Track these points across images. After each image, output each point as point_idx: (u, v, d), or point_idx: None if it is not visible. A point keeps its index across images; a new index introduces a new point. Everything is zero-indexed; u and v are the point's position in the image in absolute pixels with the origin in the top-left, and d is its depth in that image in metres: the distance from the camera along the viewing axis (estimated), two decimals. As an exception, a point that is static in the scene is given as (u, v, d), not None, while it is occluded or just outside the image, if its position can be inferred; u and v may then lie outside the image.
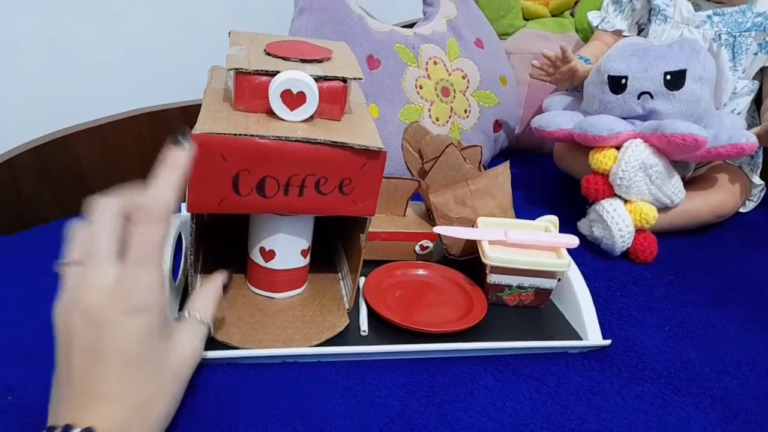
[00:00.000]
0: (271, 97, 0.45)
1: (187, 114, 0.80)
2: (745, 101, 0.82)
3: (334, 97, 0.48)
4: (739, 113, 0.82)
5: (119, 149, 0.78)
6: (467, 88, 0.94)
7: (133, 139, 0.78)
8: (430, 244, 0.66)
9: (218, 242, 0.60)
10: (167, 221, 0.34)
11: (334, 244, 0.64)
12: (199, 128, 0.43)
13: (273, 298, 0.54)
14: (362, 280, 0.60)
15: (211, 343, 0.48)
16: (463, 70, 0.94)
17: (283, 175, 0.45)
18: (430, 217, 0.68)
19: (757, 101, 0.84)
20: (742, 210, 0.84)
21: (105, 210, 0.34)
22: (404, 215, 0.68)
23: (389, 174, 0.84)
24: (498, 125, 0.98)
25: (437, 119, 0.89)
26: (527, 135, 1.05)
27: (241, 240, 0.55)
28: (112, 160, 0.78)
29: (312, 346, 0.49)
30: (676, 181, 0.73)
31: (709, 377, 0.53)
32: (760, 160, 0.84)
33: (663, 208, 0.74)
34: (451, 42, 0.94)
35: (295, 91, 0.45)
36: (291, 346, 0.49)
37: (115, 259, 0.34)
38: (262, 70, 0.45)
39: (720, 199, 0.77)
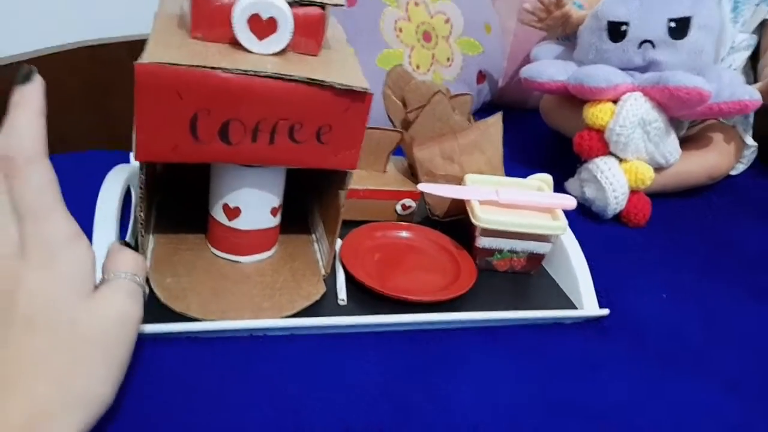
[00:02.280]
0: (236, 23, 0.38)
1: (134, 51, 0.71)
2: (742, 56, 0.79)
3: (311, 27, 0.41)
4: (735, 69, 0.79)
5: (52, 87, 0.69)
6: (450, 33, 0.87)
7: (68, 77, 0.68)
8: (413, 204, 0.61)
9: (175, 195, 0.53)
10: (40, 162, 0.28)
11: (307, 199, 0.58)
12: (147, 57, 0.36)
13: (238, 262, 0.49)
14: (338, 242, 0.55)
15: (167, 314, 0.42)
16: (445, 14, 0.87)
17: (251, 118, 0.39)
18: (412, 174, 0.63)
19: (753, 58, 0.81)
20: (732, 172, 0.82)
21: None
22: (384, 171, 0.62)
23: (368, 125, 0.79)
24: (482, 76, 0.93)
25: (418, 67, 0.83)
26: (511, 88, 1.01)
27: (203, 193, 0.48)
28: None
29: (284, 317, 0.44)
30: (673, 140, 0.69)
31: (708, 348, 0.51)
32: (752, 120, 0.81)
33: (657, 168, 0.71)
34: (434, -19, 0.87)
35: (264, 17, 0.38)
36: (260, 317, 0.44)
37: (11, 217, 0.28)
38: (224, -10, 0.38)
39: (715, 160, 0.74)
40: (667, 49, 0.66)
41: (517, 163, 0.83)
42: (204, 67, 0.36)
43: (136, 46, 0.53)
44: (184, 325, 0.42)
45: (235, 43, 0.39)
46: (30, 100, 0.29)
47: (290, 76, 0.38)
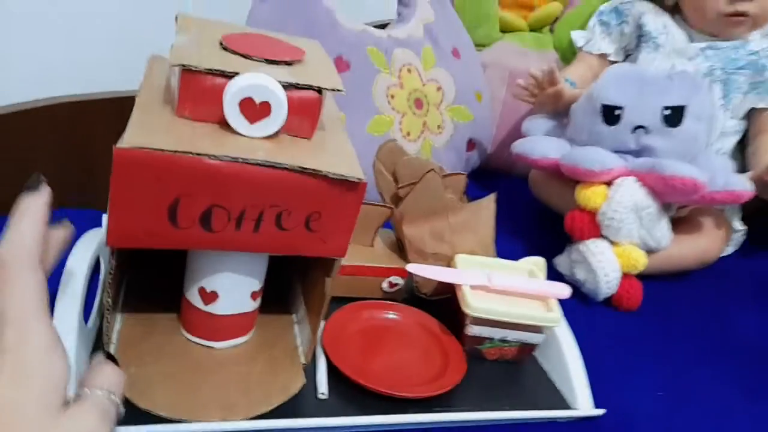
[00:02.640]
0: (227, 106, 0.36)
1: (123, 105, 0.69)
2: (731, 141, 0.80)
3: (307, 111, 0.39)
4: (725, 153, 0.79)
5: (30, 142, 0.66)
6: (441, 101, 0.87)
7: (47, 132, 0.66)
8: (400, 281, 0.59)
9: (149, 270, 0.50)
10: (31, 271, 0.28)
11: (289, 279, 0.55)
12: (127, 140, 0.34)
13: (212, 347, 0.45)
14: (321, 323, 0.52)
15: (130, 410, 0.38)
16: (438, 82, 0.87)
17: (237, 205, 0.37)
18: (400, 249, 0.60)
19: (740, 142, 0.82)
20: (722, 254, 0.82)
21: None
22: (372, 245, 0.60)
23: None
24: (471, 144, 0.92)
25: (408, 134, 0.82)
26: (498, 155, 1.01)
27: (180, 270, 0.45)
28: (18, 155, 0.65)
29: (256, 419, 0.41)
30: (665, 225, 0.69)
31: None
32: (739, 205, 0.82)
33: (648, 251, 0.70)
34: (427, 50, 0.88)
35: (258, 101, 0.37)
36: (231, 418, 0.40)
37: None
38: (217, 70, 0.36)
39: (705, 245, 0.74)
40: (661, 135, 0.66)
41: (504, 232, 0.82)
42: (190, 153, 0.34)
43: (121, 102, 0.50)
44: (149, 429, 0.38)
45: (224, 124, 0.37)
46: (34, 209, 0.29)
47: (282, 164, 0.36)
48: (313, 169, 0.37)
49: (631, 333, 0.64)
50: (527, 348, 0.53)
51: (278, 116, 0.38)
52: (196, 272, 0.43)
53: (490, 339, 0.53)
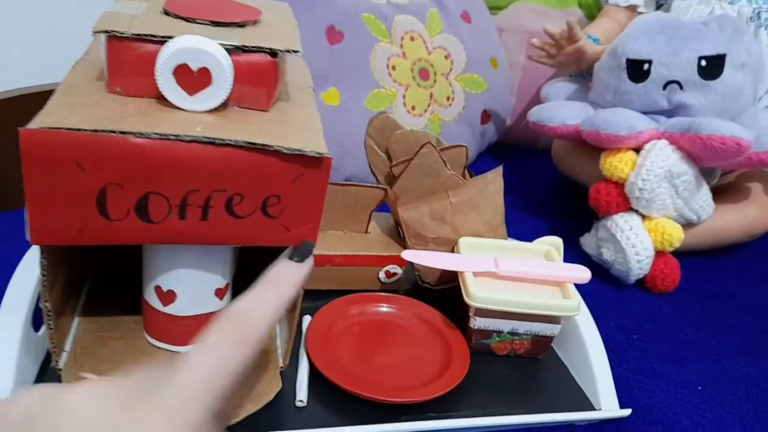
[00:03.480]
0: (160, 75, 0.32)
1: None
2: (782, 95, 0.71)
3: (258, 78, 0.34)
4: (775, 109, 0.70)
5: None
6: (450, 70, 0.81)
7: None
8: (399, 270, 0.54)
9: (112, 270, 0.46)
10: (251, 346, 0.23)
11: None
12: (39, 120, 0.30)
13: (177, 353, 0.41)
14: (306, 319, 0.48)
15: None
16: (446, 49, 0.81)
17: (176, 191, 0.32)
18: (399, 235, 0.55)
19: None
20: (774, 226, 0.73)
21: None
22: (366, 232, 0.55)
23: (349, 179, 0.73)
24: (486, 116, 0.86)
25: (413, 108, 0.76)
26: (520, 128, 0.93)
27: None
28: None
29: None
30: (705, 193, 0.61)
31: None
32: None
33: (687, 225, 0.63)
34: (433, 14, 0.81)
35: (194, 67, 0.32)
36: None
37: None
38: (146, 35, 0.32)
39: (754, 214, 0.66)
40: (698, 90, 0.58)
41: (526, 212, 0.76)
42: (111, 132, 0.30)
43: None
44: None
45: (162, 99, 0.33)
46: (284, 283, 0.26)
47: (223, 140, 0.31)
48: (262, 144, 0.32)
49: (666, 319, 0.57)
50: (542, 341, 0.48)
51: (222, 85, 0.33)
52: (151, 269, 0.39)
53: (499, 332, 0.47)
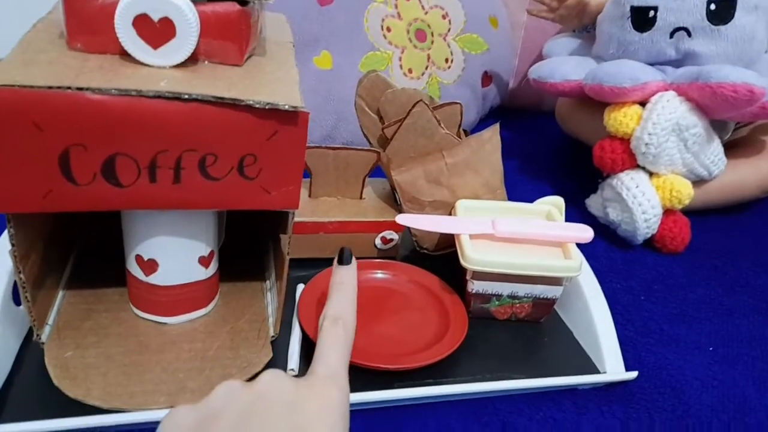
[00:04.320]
0: (119, 27, 0.30)
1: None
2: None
3: (228, 29, 0.32)
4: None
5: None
6: (448, 30, 0.78)
7: None
8: (395, 236, 0.52)
9: (99, 241, 0.45)
10: (352, 334, 0.30)
11: (262, 239, 0.49)
12: (-8, 78, 0.27)
13: (164, 323, 0.40)
14: (300, 288, 0.46)
15: (59, 402, 0.34)
16: (443, 8, 0.77)
17: (144, 152, 0.30)
18: (395, 200, 0.53)
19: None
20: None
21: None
22: (361, 197, 0.53)
23: (344, 144, 0.70)
24: (487, 78, 0.83)
25: (410, 70, 0.73)
26: (524, 89, 0.90)
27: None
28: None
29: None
30: (716, 147, 0.58)
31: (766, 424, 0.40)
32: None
33: (698, 181, 0.60)
34: (429, -29, 0.77)
35: (155, 17, 0.30)
36: (178, 404, 0.34)
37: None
38: (103, -15, 0.29)
39: (769, 168, 0.62)
40: (707, 36, 0.55)
41: (531, 176, 0.73)
42: (68, 88, 0.28)
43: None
44: (75, 421, 0.33)
45: (126, 54, 0.31)
46: (350, 281, 0.32)
47: (190, 94, 0.29)
48: (232, 99, 0.30)
49: (675, 280, 0.55)
50: (544, 304, 0.46)
51: (187, 37, 0.31)
52: (131, 238, 0.37)
53: (498, 296, 0.45)
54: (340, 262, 0.33)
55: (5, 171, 0.29)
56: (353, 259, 0.34)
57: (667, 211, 0.57)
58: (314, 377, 0.27)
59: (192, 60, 0.32)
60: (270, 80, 0.33)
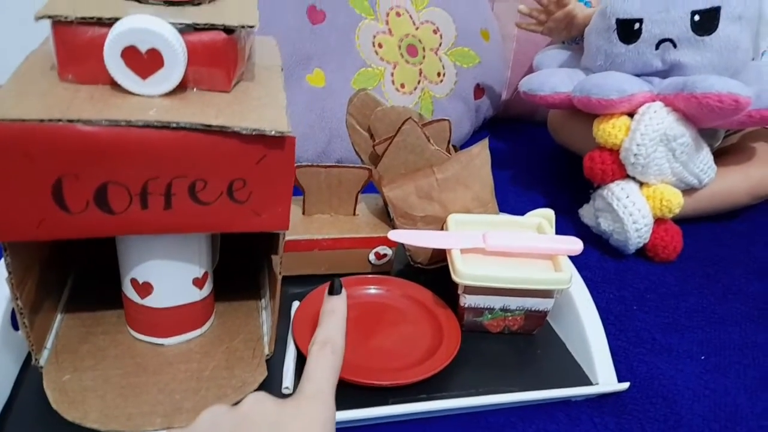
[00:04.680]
0: (108, 59, 0.31)
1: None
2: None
3: (215, 57, 0.33)
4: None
5: None
6: (440, 45, 0.78)
7: None
8: (389, 251, 0.52)
9: (97, 263, 0.45)
10: (340, 355, 0.31)
11: (257, 257, 0.49)
12: (-16, 112, 0.28)
13: (161, 345, 0.40)
14: (295, 305, 0.47)
15: (56, 426, 0.34)
16: (434, 23, 0.78)
17: (135, 179, 0.31)
18: (388, 215, 0.54)
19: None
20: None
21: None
22: (354, 214, 0.54)
23: (338, 160, 0.71)
24: (480, 90, 0.83)
25: (402, 85, 0.74)
26: (517, 101, 0.91)
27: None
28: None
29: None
30: (705, 155, 0.59)
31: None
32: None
33: (688, 190, 0.60)
34: (419, -13, 0.79)
35: (143, 49, 0.30)
36: (174, 425, 0.35)
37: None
38: (92, 18, 0.30)
39: (759, 175, 0.63)
40: (692, 47, 0.55)
41: (525, 187, 0.74)
42: (58, 120, 0.29)
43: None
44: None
45: (117, 85, 0.31)
46: (340, 309, 0.33)
47: (178, 123, 0.30)
48: (219, 126, 0.31)
49: (668, 289, 0.55)
50: (536, 316, 0.46)
51: (174, 66, 0.31)
52: (126, 262, 0.38)
53: (490, 309, 0.45)
54: (330, 292, 0.34)
55: (0, 201, 0.30)
56: (343, 289, 0.35)
57: (659, 220, 0.58)
58: (299, 396, 0.28)
59: (181, 88, 0.33)
60: (257, 105, 0.33)
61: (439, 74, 0.78)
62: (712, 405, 0.42)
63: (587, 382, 0.43)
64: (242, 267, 0.49)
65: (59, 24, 0.31)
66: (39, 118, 0.28)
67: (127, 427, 0.35)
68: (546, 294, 0.45)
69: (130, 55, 0.30)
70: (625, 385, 0.42)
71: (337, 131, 0.67)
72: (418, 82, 0.76)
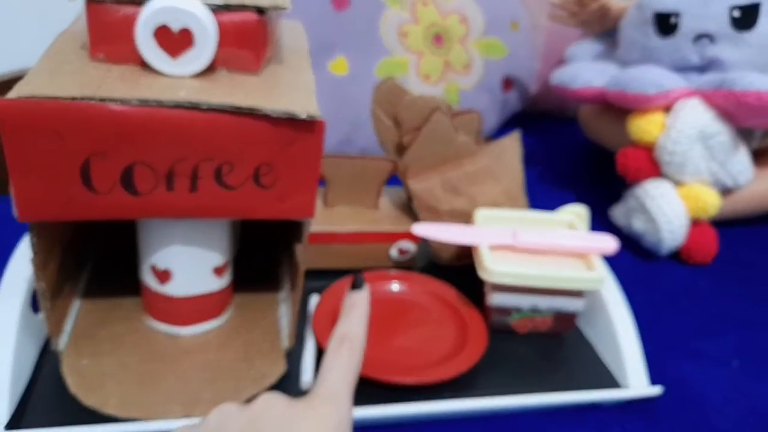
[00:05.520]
0: (140, 38, 0.31)
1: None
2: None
3: (246, 38, 0.34)
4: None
5: None
6: (467, 35, 0.79)
7: None
8: (412, 247, 0.53)
9: (117, 248, 0.46)
10: (360, 352, 0.31)
11: (276, 248, 0.50)
12: (17, 90, 0.29)
13: (177, 335, 0.41)
14: (314, 299, 0.47)
15: (74, 411, 0.35)
16: (461, 12, 0.78)
17: (162, 160, 0.32)
18: (412, 209, 0.54)
19: None
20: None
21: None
22: (376, 207, 0.54)
23: (361, 149, 0.72)
24: (508, 83, 0.83)
25: (427, 77, 0.74)
26: (547, 94, 0.91)
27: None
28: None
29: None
30: (743, 156, 0.58)
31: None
32: None
33: (723, 191, 0.60)
34: (447, -25, 0.79)
35: (175, 28, 0.31)
36: (193, 414, 0.36)
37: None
38: (125, -5, 0.31)
39: (799, 178, 0.62)
40: (731, 43, 0.55)
41: (554, 185, 0.74)
42: (90, 99, 0.29)
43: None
44: (83, 430, 0.34)
45: (147, 65, 0.32)
46: (359, 304, 0.33)
47: (208, 104, 0.31)
48: (249, 108, 0.31)
49: (701, 292, 0.55)
50: (565, 317, 0.46)
51: (205, 46, 0.32)
52: (146, 247, 0.39)
53: (518, 309, 0.46)
54: (353, 287, 0.34)
55: (29, 179, 0.31)
56: (366, 284, 0.35)
57: (694, 222, 0.58)
58: (312, 396, 0.28)
59: (210, 69, 0.33)
60: (287, 88, 0.34)
61: (465, 66, 0.78)
62: (744, 410, 0.42)
63: (617, 385, 0.43)
64: (261, 258, 0.49)
65: (93, 2, 0.31)
66: (71, 95, 0.29)
67: (146, 414, 0.35)
68: (577, 294, 0.45)
69: (162, 34, 0.31)
70: (657, 389, 0.42)
71: (360, 120, 0.68)
72: (443, 73, 0.76)
